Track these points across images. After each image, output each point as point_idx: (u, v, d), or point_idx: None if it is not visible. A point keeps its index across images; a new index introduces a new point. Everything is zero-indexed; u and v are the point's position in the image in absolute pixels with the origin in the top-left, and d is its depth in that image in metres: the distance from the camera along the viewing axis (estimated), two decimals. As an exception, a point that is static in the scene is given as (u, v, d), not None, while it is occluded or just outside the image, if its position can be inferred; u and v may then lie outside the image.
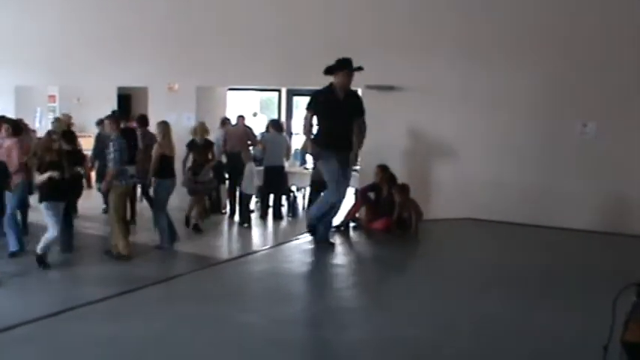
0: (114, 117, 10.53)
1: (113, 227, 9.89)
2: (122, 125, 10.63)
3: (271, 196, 13.61)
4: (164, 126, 10.82)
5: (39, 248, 9.07)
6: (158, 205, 10.69)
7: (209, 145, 12.18)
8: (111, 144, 9.80)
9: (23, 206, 10.44)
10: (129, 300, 7.13)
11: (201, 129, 12.07)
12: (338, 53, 12.25)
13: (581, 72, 10.61)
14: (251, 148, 13.43)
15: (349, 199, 10.46)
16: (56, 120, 14.25)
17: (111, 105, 17.45)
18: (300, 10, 12.97)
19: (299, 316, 6.46)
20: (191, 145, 11.96)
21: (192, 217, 12.01)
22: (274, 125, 14.03)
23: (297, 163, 14.41)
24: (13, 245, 9.69)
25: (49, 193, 9.03)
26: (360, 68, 8.82)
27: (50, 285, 8.64)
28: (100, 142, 12.36)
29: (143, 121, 12.29)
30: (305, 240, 10.37)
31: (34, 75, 17.10)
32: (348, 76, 8.83)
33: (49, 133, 11.44)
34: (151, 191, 11.05)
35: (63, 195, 9.20)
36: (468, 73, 11.34)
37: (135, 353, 5.42)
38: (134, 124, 13.09)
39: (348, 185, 9.28)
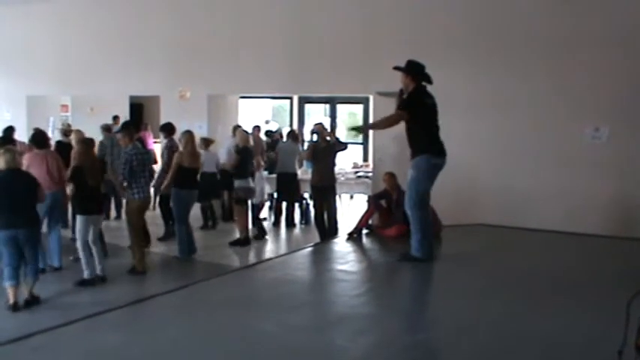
0: (128, 129, 10.55)
1: (132, 242, 9.98)
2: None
3: (284, 204, 13.68)
4: (187, 135, 10.83)
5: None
6: (177, 216, 10.73)
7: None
8: (123, 156, 9.89)
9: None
10: (142, 309, 7.16)
11: (242, 137, 12.08)
12: (349, 61, 12.37)
13: (593, 75, 10.59)
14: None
15: (362, 206, 10.50)
16: (63, 130, 14.34)
17: (123, 114, 17.62)
18: (312, 18, 13.03)
19: (313, 322, 6.46)
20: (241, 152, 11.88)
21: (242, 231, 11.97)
22: (290, 134, 14.11)
23: (310, 170, 14.43)
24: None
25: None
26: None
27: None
28: (101, 150, 12.47)
29: (169, 129, 12.28)
30: (317, 247, 10.38)
31: (46, 85, 17.26)
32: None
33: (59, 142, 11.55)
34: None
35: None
36: (478, 79, 11.36)
37: (149, 362, 5.45)
38: (147, 134, 13.14)
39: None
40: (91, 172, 9.12)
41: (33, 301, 8.22)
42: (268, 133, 16.10)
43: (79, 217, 9.22)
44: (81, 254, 9.16)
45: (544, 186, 10.90)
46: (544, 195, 10.85)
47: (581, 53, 10.67)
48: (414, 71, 8.21)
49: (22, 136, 13.77)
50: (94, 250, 9.22)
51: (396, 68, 8.24)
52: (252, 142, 12.20)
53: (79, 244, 9.18)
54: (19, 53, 17.42)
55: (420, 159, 8.14)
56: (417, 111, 8.11)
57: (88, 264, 9.14)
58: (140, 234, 10.04)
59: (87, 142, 9.71)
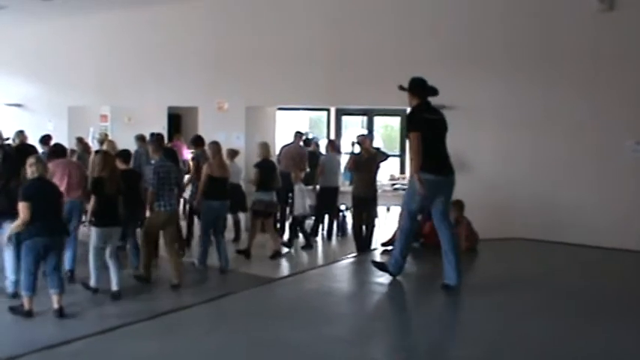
0: (155, 140, 10.69)
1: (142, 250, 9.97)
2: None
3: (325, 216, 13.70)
4: (215, 146, 10.89)
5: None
6: (203, 226, 10.79)
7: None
8: (151, 167, 9.97)
9: None
10: (180, 318, 7.18)
11: (261, 150, 12.09)
12: (387, 73, 12.31)
13: (631, 88, 10.42)
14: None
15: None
16: (101, 140, 14.55)
17: (161, 124, 17.76)
18: (350, 30, 13.02)
19: (349, 335, 6.43)
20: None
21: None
22: (332, 145, 14.06)
23: (347, 182, 14.37)
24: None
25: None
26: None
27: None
28: (137, 159, 12.51)
29: (199, 141, 12.37)
30: (355, 260, 10.35)
31: (86, 96, 17.53)
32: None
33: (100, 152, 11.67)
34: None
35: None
36: (516, 92, 11.24)
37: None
38: (180, 144, 13.16)
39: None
40: (110, 183, 9.10)
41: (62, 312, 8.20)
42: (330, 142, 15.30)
43: (92, 229, 9.17)
44: (91, 262, 9.14)
45: (584, 200, 10.73)
46: (584, 209, 10.67)
47: (617, 66, 10.50)
48: (414, 88, 8.16)
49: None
50: (110, 265, 9.16)
51: (401, 88, 8.20)
52: (273, 154, 12.18)
53: (90, 253, 9.16)
54: (62, 65, 17.72)
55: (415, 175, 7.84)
56: (419, 127, 7.90)
57: (96, 273, 9.13)
58: (152, 245, 10.00)
59: (104, 153, 9.79)
